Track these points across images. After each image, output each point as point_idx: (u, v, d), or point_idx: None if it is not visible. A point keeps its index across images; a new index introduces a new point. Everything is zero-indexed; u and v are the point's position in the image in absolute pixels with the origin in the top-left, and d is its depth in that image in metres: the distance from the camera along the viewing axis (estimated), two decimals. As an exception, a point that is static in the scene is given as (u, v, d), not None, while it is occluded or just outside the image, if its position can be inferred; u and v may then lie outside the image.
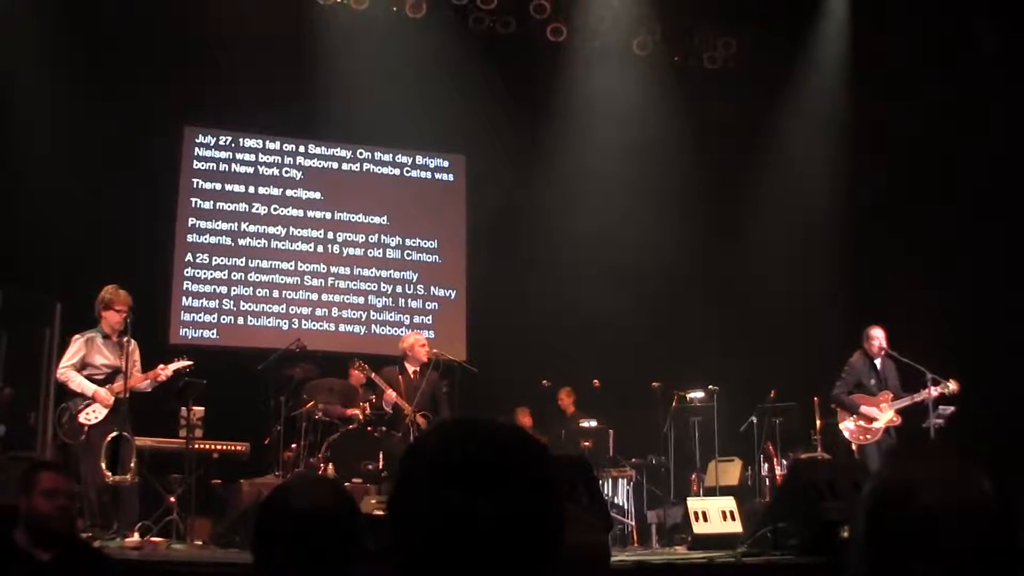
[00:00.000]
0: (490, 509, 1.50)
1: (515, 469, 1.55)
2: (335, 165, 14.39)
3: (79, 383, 9.26)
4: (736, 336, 13.37)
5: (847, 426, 10.80)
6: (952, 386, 10.52)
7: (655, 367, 12.48)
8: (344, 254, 14.07)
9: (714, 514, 10.10)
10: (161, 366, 9.70)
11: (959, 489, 1.65)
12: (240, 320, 13.47)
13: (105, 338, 9.47)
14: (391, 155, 14.65)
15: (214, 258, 13.50)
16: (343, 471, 10.36)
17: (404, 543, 1.56)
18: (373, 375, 10.87)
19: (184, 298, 13.31)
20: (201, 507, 10.02)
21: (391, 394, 10.59)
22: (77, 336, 9.47)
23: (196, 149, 13.76)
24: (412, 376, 10.86)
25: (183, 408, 10.25)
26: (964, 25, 12.94)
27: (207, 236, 13.55)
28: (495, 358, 12.80)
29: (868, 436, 10.66)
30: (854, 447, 10.78)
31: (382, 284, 14.18)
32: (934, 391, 10.51)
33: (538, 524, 1.54)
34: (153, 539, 9.01)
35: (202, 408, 10.47)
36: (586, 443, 11.92)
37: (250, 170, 13.92)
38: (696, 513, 10.11)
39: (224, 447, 10.83)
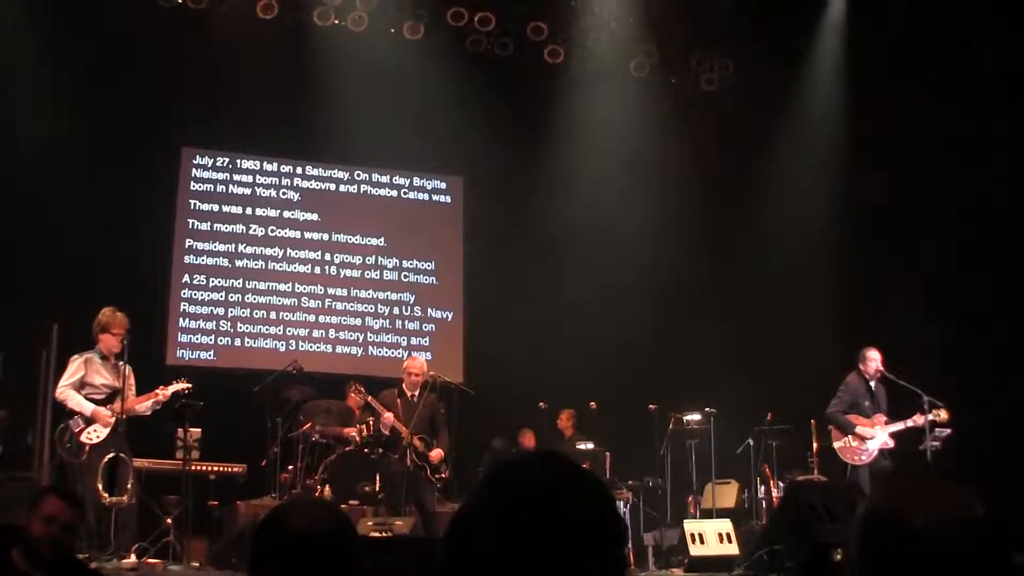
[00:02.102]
0: (563, 554, 1.51)
1: (598, 522, 1.57)
2: (332, 186, 14.40)
3: (77, 402, 9.28)
4: (733, 359, 13.35)
5: (840, 445, 10.76)
6: (943, 415, 10.50)
7: (652, 389, 12.47)
8: (341, 276, 14.07)
9: (711, 536, 10.11)
10: (160, 387, 9.70)
11: (952, 512, 1.66)
12: (237, 341, 13.46)
13: (103, 359, 9.49)
14: (388, 177, 14.67)
15: (211, 279, 13.49)
16: (340, 493, 10.37)
17: (462, 558, 1.55)
18: (370, 399, 10.85)
19: (181, 319, 13.30)
20: (198, 528, 10.00)
21: (388, 416, 10.58)
22: (76, 356, 9.49)
23: (194, 170, 13.76)
24: (410, 398, 10.85)
25: (180, 429, 10.23)
26: (964, 43, 12.96)
27: (204, 257, 13.55)
28: (492, 380, 12.80)
29: (861, 457, 10.62)
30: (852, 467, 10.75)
31: (379, 306, 14.18)
32: (926, 418, 10.49)
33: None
34: (150, 560, 9.02)
35: (199, 429, 10.44)
36: (583, 465, 11.89)
37: (248, 191, 13.92)
38: (693, 535, 10.11)
39: (221, 468, 10.81)
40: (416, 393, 10.85)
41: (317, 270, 13.97)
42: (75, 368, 9.41)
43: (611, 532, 1.54)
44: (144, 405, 9.61)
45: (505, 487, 1.57)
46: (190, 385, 9.85)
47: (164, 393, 9.67)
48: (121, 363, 9.47)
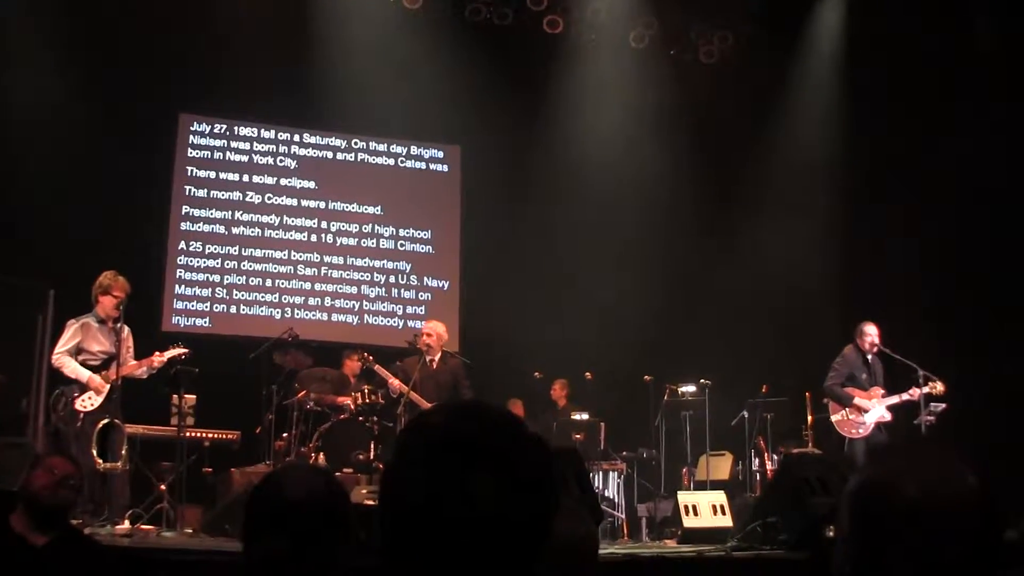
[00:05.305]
0: (488, 486, 1.51)
1: (516, 450, 1.57)
2: (330, 154, 14.37)
3: (73, 369, 9.25)
4: (729, 330, 13.36)
5: (837, 419, 10.76)
6: (939, 387, 10.51)
7: (647, 360, 12.50)
8: (338, 244, 14.06)
9: (704, 508, 10.12)
10: (156, 353, 9.68)
11: (943, 483, 1.65)
12: (233, 308, 13.45)
13: (100, 323, 9.45)
14: (386, 145, 14.64)
15: (207, 246, 13.48)
16: (334, 461, 10.37)
17: (395, 514, 1.55)
18: (376, 367, 10.79)
19: (177, 286, 13.29)
20: (191, 495, 10.01)
21: (395, 383, 10.53)
22: (72, 321, 9.44)
23: (191, 137, 13.73)
24: (428, 363, 10.77)
25: (175, 396, 10.23)
26: (964, 20, 12.90)
27: (201, 224, 13.53)
28: (488, 350, 12.79)
29: (859, 430, 10.63)
30: (848, 441, 10.76)
31: (375, 274, 14.17)
32: (922, 391, 10.50)
33: (532, 508, 1.55)
34: (143, 526, 9.04)
35: (194, 396, 10.45)
36: (577, 436, 11.92)
37: (245, 158, 13.89)
38: (686, 507, 10.12)
39: (215, 435, 10.83)
40: (435, 359, 10.81)
41: (313, 238, 13.96)
42: (71, 334, 9.37)
43: (518, 467, 1.55)
44: (141, 370, 9.59)
45: (418, 437, 1.59)
46: (187, 351, 9.83)
47: (160, 359, 9.66)
48: (119, 325, 9.43)
